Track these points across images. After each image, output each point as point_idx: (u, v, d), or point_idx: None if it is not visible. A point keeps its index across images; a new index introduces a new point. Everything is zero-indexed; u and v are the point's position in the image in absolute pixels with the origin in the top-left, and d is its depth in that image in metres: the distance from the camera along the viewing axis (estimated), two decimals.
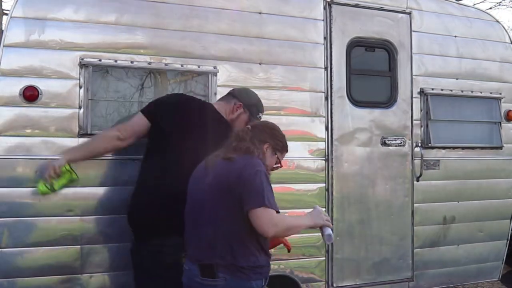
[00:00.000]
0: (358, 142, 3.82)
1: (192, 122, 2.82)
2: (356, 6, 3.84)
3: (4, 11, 11.23)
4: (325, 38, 3.72)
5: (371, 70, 3.98)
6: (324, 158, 3.69)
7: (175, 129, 2.79)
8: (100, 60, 3.06)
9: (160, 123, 2.83)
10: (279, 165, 2.57)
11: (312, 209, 2.51)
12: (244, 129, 2.50)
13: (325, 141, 3.70)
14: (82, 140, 3.00)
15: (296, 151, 3.50)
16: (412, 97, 4.01)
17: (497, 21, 4.48)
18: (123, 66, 3.12)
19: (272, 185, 2.34)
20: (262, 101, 3.30)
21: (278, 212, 2.28)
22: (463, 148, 4.21)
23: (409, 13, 4.03)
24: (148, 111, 2.91)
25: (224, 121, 2.94)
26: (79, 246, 3.02)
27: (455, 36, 4.23)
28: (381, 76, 3.99)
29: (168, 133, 2.79)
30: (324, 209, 3.29)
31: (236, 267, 2.24)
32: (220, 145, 2.46)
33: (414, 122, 4.02)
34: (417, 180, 4.01)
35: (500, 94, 4.37)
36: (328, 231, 2.43)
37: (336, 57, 3.74)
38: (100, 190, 3.07)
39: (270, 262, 2.43)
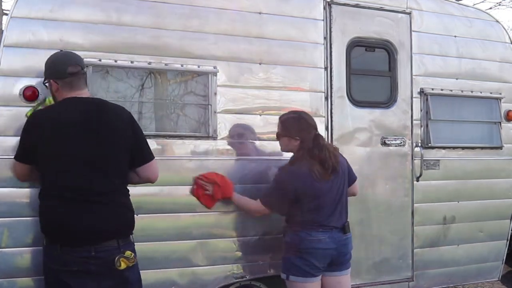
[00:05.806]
0: (358, 142, 3.82)
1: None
2: (356, 6, 3.84)
3: (4, 11, 11.24)
4: (325, 38, 3.72)
5: (371, 70, 3.98)
6: None
7: None
8: (100, 60, 3.06)
9: None
10: None
11: None
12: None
13: None
14: None
15: None
16: (412, 97, 4.01)
17: (497, 21, 4.47)
18: (123, 66, 3.12)
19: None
20: (262, 101, 3.29)
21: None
22: (463, 148, 4.21)
23: (409, 13, 4.03)
24: None
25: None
26: None
27: (455, 36, 4.22)
28: (381, 76, 3.99)
29: None
30: None
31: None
32: None
33: (414, 122, 4.02)
34: (417, 180, 4.01)
35: (500, 94, 4.37)
36: None
37: (336, 57, 3.74)
38: None
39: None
